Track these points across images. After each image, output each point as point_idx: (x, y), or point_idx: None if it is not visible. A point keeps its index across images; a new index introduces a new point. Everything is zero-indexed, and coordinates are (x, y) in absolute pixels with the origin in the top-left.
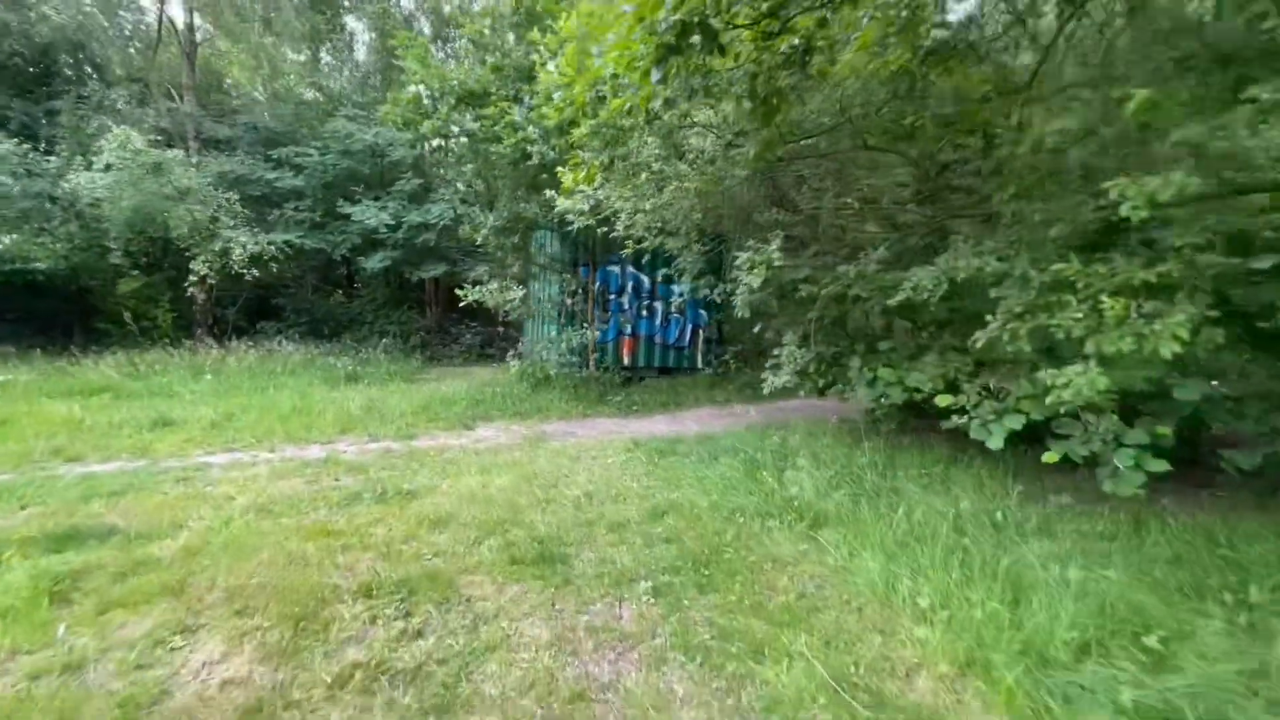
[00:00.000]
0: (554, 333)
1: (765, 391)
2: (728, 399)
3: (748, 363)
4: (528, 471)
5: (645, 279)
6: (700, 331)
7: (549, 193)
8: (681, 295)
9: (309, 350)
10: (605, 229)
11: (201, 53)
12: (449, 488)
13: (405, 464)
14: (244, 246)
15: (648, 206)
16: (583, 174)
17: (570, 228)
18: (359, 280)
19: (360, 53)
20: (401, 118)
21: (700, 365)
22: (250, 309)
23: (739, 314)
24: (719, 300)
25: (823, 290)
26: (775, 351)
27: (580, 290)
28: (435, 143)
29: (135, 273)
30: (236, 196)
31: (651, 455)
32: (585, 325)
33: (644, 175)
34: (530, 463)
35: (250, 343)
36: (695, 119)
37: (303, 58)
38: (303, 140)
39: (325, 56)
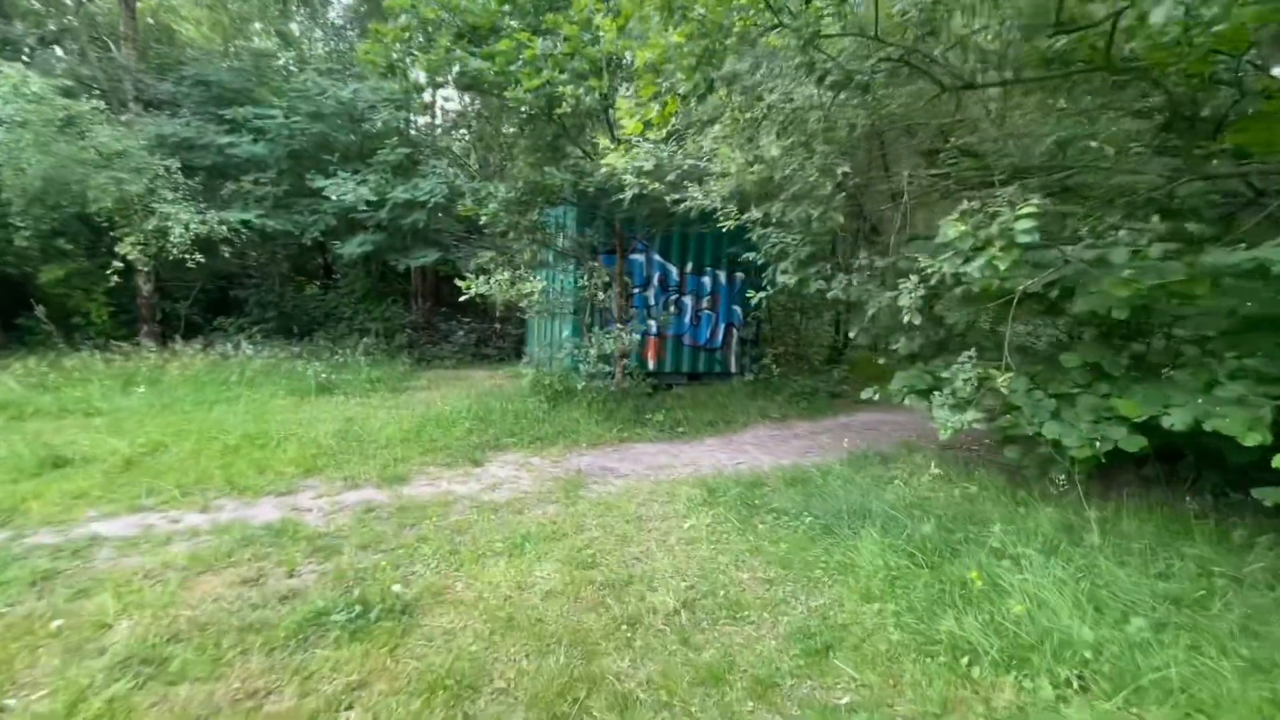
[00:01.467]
0: (568, 333)
1: (942, 434)
2: (783, 414)
3: (791, 366)
4: (578, 550)
5: (673, 269)
6: (734, 330)
7: (575, 154)
8: (739, 285)
9: (274, 352)
10: (675, 198)
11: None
12: (467, 591)
13: (395, 535)
14: (186, 226)
15: (775, 152)
16: (655, 110)
17: (613, 198)
18: (337, 270)
19: (336, 11)
20: (385, 59)
21: (734, 369)
22: (209, 303)
23: (903, 319)
24: (788, 289)
25: (1083, 284)
26: (943, 373)
27: (609, 282)
28: (427, 97)
29: (67, 259)
30: (178, 165)
31: (739, 511)
32: (616, 325)
33: (765, 106)
34: (577, 530)
35: (205, 343)
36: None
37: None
38: (264, 100)
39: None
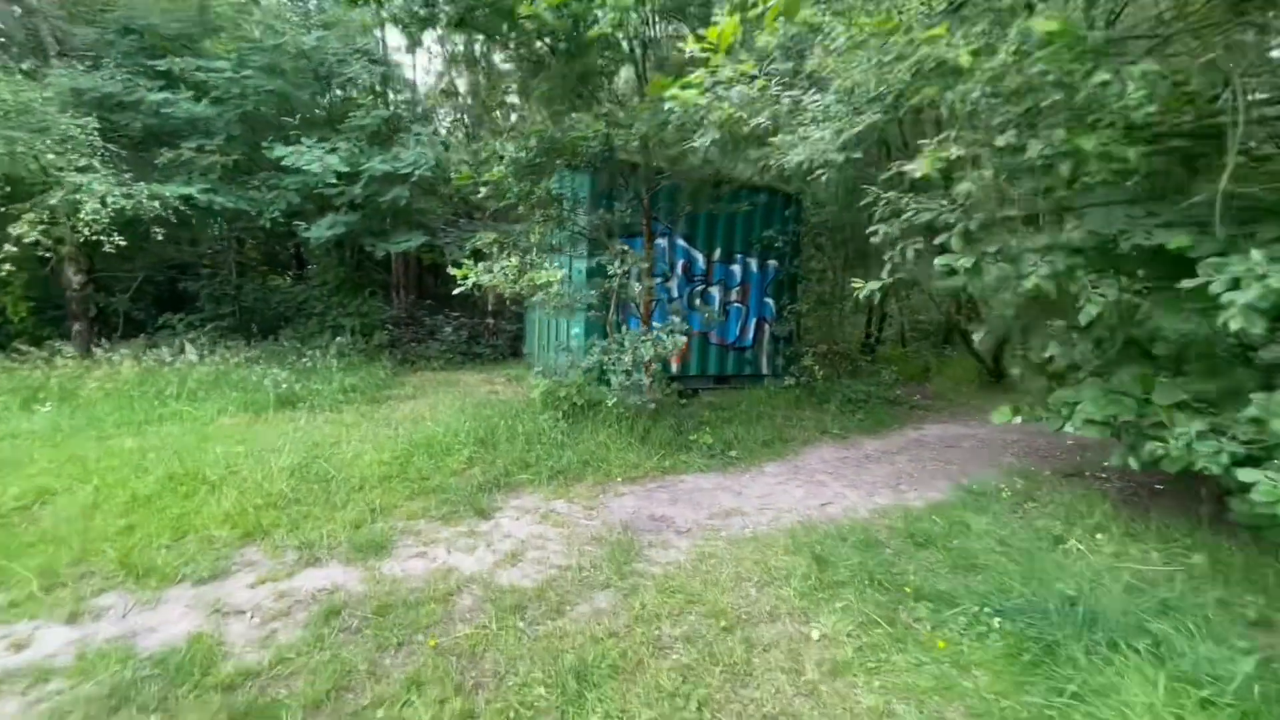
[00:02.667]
0: (578, 332)
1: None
2: (842, 429)
3: (832, 367)
4: (670, 697)
5: (698, 256)
6: (767, 327)
7: (606, 103)
8: (772, 274)
9: (228, 356)
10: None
11: None
12: None
13: (372, 671)
14: (103, 200)
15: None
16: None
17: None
18: (308, 257)
19: None
20: None
21: (765, 371)
22: (156, 297)
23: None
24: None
25: None
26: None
27: (650, 270)
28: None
29: None
30: (95, 125)
31: (875, 600)
32: (654, 323)
33: None
34: (655, 652)
35: (148, 344)
36: None
37: None
38: (211, 52)
39: None
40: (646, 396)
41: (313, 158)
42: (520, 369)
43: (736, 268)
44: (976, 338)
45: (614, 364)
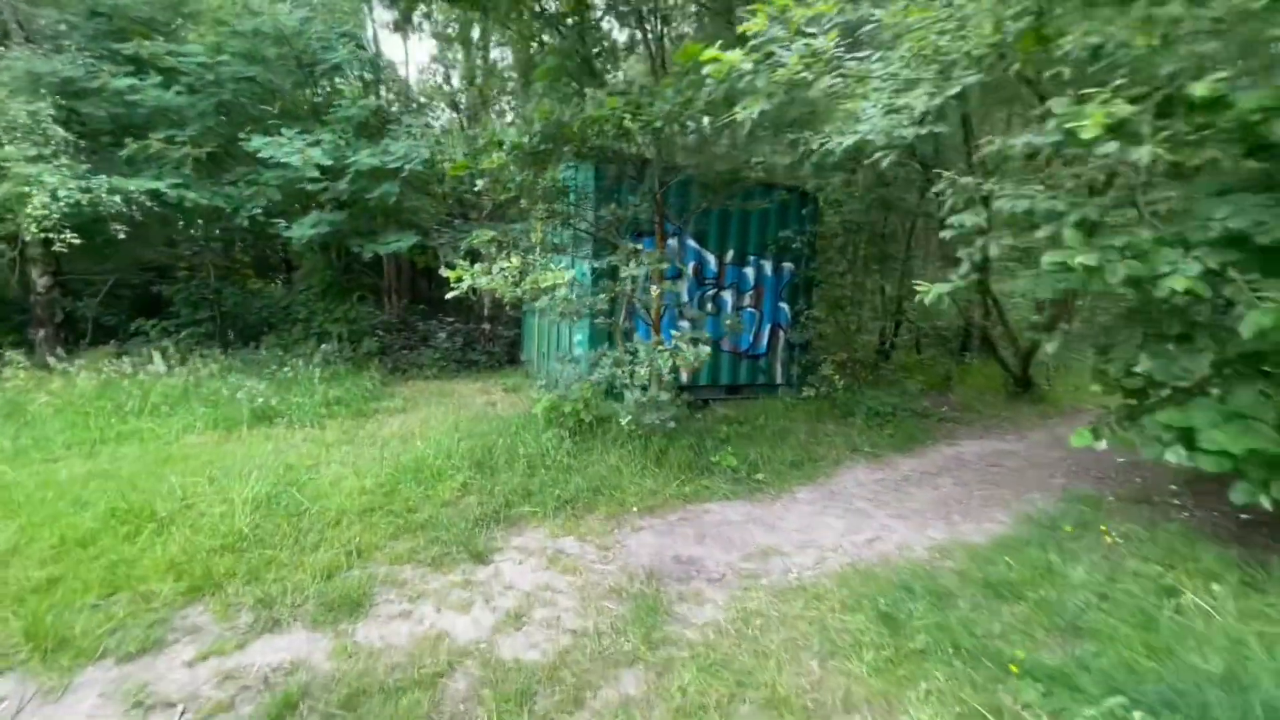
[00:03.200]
0: (580, 339)
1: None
2: (873, 446)
3: (855, 378)
4: None
5: (710, 257)
6: (781, 333)
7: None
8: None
9: (199, 366)
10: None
11: None
12: None
13: None
14: (53, 194)
15: None
16: None
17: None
18: (293, 260)
19: None
20: None
21: (779, 380)
22: (133, 301)
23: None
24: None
25: None
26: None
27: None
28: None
29: None
30: (50, 111)
31: (969, 678)
32: (671, 329)
33: None
34: None
35: (117, 353)
36: None
37: None
38: (182, 34)
39: None
40: (666, 415)
41: (292, 150)
42: (518, 377)
43: (750, 270)
44: (1049, 348)
45: (628, 378)
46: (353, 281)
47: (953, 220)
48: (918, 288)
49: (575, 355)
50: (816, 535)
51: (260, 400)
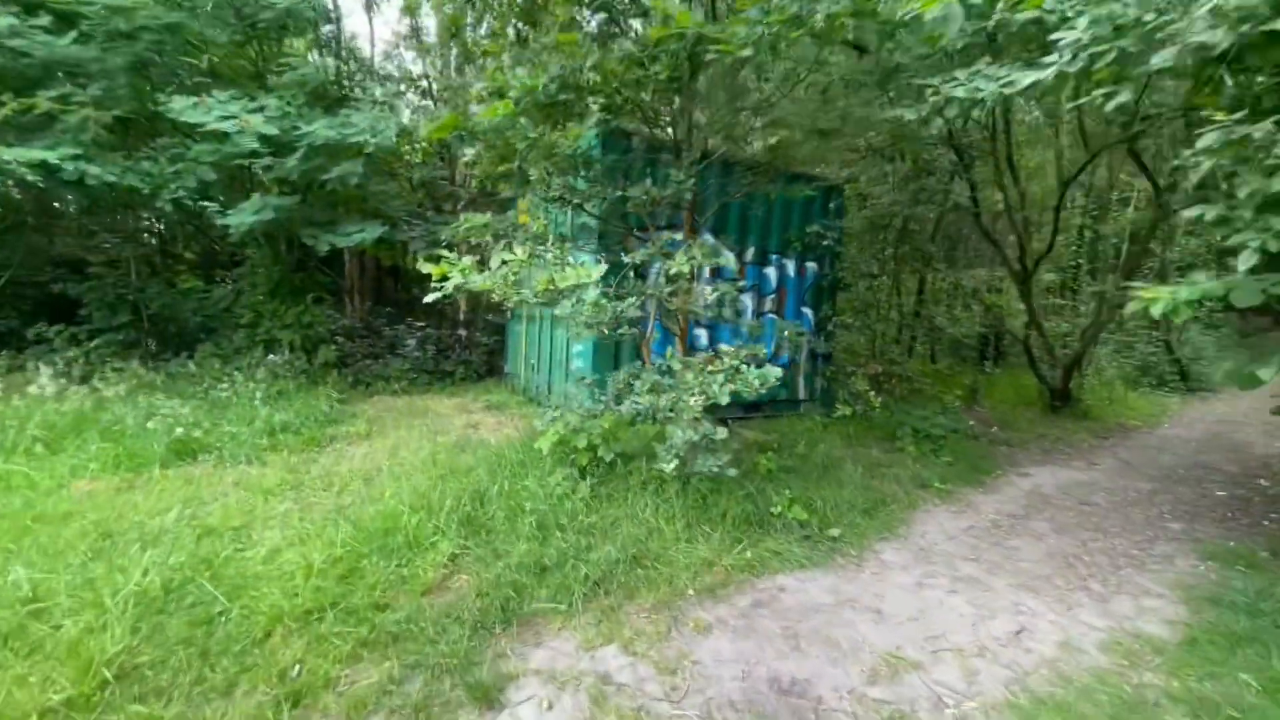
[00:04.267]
0: (580, 350)
1: None
2: (942, 480)
3: (889, 392)
4: None
5: (730, 256)
6: (806, 342)
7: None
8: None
9: (106, 385)
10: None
11: None
12: None
13: None
14: None
15: None
16: None
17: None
18: (236, 253)
19: None
20: None
21: (803, 396)
22: (40, 302)
23: None
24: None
25: None
26: None
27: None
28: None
29: None
30: None
31: None
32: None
33: None
34: None
35: (11, 364)
36: None
37: None
38: None
39: None
40: (723, 459)
41: (225, 114)
42: (501, 393)
43: (771, 270)
44: (1218, 376)
45: (674, 408)
46: (308, 281)
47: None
48: (1139, 294)
49: (573, 370)
50: (941, 625)
51: (181, 429)
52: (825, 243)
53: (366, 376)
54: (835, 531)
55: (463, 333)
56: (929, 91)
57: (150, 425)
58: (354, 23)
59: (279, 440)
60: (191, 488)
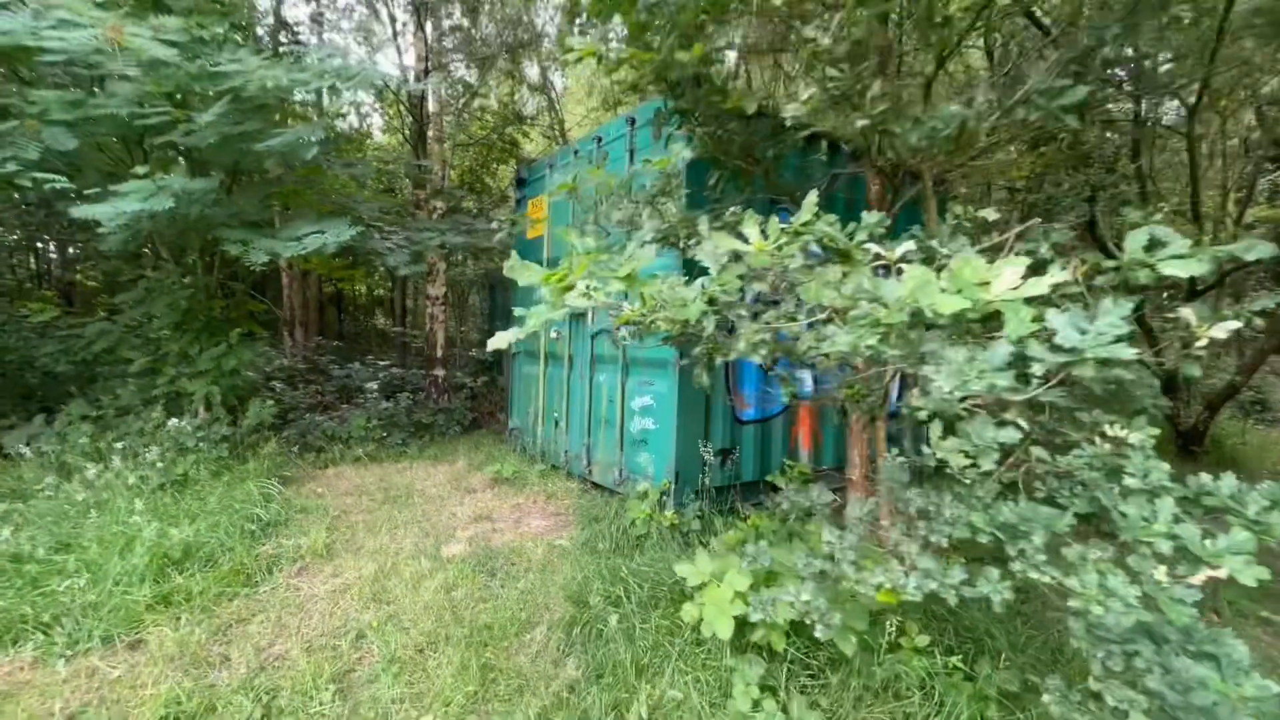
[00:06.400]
0: (655, 406)
1: None
2: None
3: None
4: None
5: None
6: (913, 382)
7: None
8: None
9: None
10: None
11: None
12: None
13: None
14: None
15: None
16: None
17: None
18: (119, 273)
19: None
20: None
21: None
22: None
23: None
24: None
25: None
26: None
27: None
28: None
29: None
30: None
31: None
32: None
33: None
34: None
35: None
36: None
37: None
38: None
39: None
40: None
41: (84, 31)
42: (508, 457)
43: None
44: None
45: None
46: (231, 309)
47: None
48: None
49: (633, 431)
50: None
51: None
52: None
53: (317, 440)
54: None
55: (439, 373)
56: None
57: None
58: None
59: (174, 588)
60: None
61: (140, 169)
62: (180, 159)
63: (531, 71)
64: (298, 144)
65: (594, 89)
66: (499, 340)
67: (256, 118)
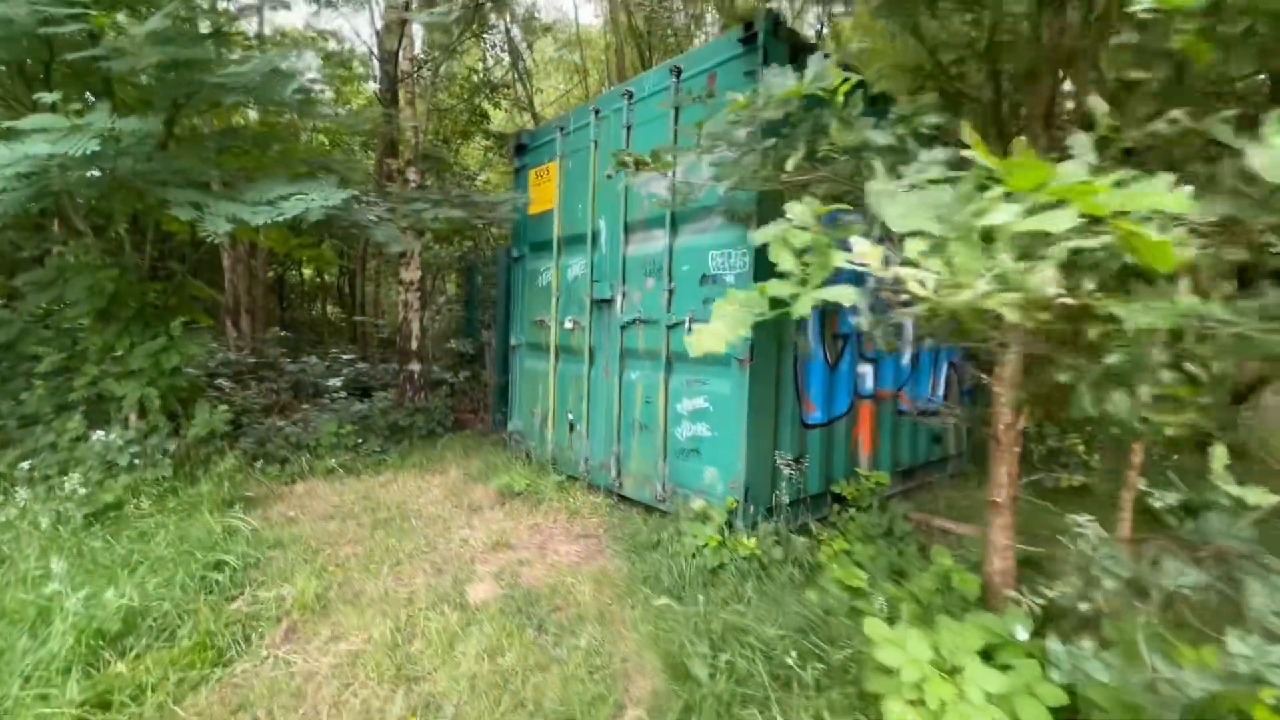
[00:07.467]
0: (710, 409)
1: None
2: None
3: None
4: None
5: (862, 243)
6: (956, 375)
7: None
8: None
9: None
10: None
11: None
12: None
13: None
14: None
15: None
16: None
17: None
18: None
19: None
20: None
21: (953, 451)
22: None
23: None
24: None
25: None
26: None
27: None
28: None
29: None
30: None
31: None
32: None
33: None
34: None
35: None
36: None
37: None
38: None
39: None
40: None
41: None
42: (509, 464)
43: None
44: None
45: None
46: (168, 294)
47: None
48: None
49: (681, 438)
50: None
51: None
52: None
53: (279, 449)
54: None
55: (415, 368)
56: None
57: None
58: None
59: (113, 679)
60: None
61: (48, 96)
62: (105, 92)
63: (498, 39)
64: (275, 75)
65: (560, 64)
66: (709, 339)
67: (201, 42)
